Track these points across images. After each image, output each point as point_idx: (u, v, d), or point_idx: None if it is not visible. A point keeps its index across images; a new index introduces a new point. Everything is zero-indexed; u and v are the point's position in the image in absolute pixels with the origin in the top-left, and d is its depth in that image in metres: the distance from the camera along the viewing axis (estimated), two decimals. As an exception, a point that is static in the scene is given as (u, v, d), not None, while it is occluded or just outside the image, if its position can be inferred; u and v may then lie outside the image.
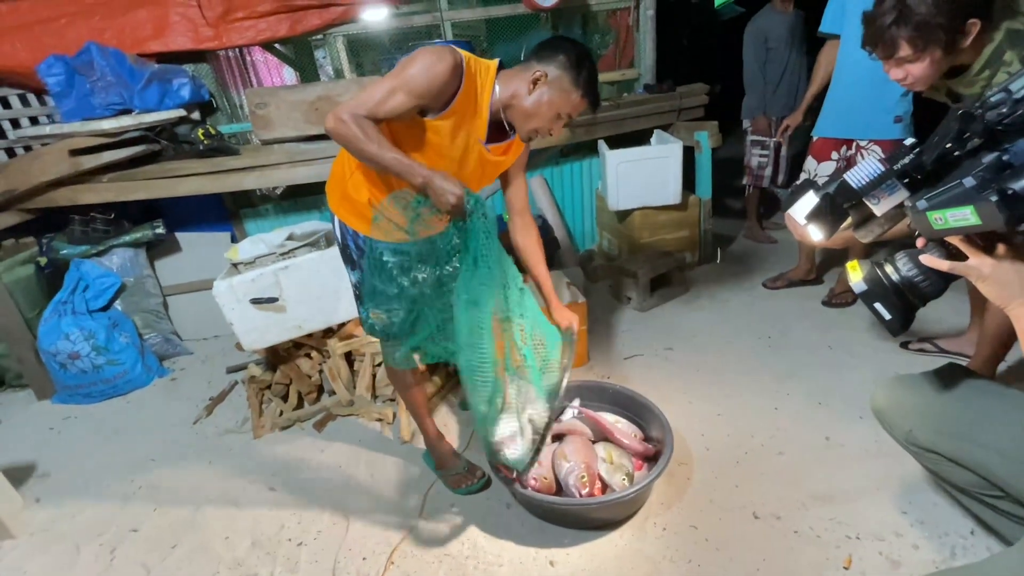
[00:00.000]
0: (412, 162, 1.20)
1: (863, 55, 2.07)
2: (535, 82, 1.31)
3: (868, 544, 1.37)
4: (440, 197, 1.20)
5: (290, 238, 2.18)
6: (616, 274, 2.88)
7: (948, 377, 1.21)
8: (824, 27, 2.31)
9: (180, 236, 2.98)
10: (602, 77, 3.49)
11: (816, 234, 1.13)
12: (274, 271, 1.99)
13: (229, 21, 2.65)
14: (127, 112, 2.48)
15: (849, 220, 1.10)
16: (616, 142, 3.02)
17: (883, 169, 1.00)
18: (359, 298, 1.58)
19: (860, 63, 2.04)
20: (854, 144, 2.29)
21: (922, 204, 0.90)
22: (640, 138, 3.20)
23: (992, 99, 0.88)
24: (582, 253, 3.42)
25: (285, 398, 2.26)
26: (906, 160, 0.97)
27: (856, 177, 1.04)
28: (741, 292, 2.85)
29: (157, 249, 2.93)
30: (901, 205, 1.00)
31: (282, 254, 2.10)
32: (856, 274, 1.06)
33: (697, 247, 3.16)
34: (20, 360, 2.50)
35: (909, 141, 1.00)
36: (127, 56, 2.47)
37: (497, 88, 1.33)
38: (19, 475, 2.03)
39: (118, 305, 2.68)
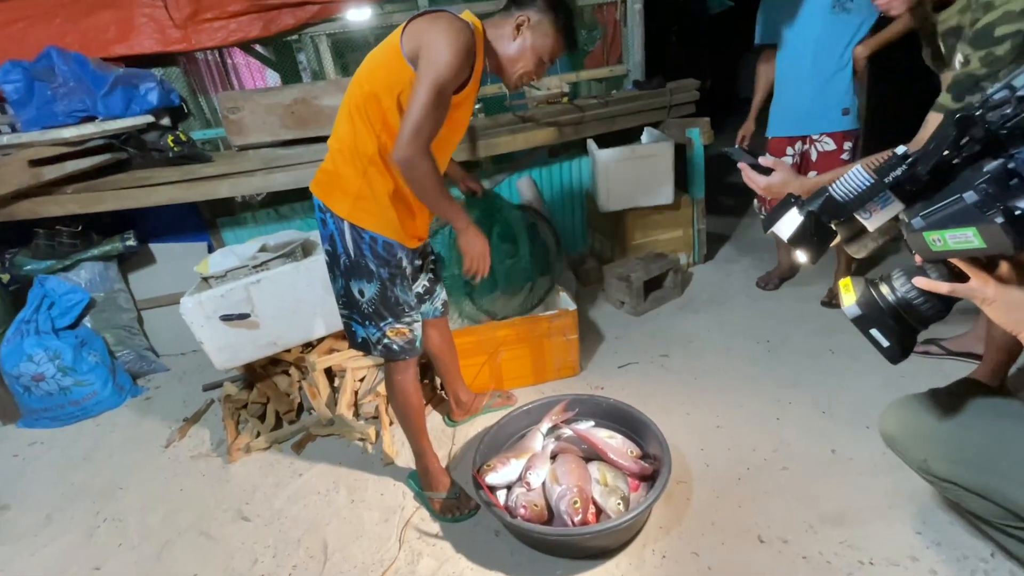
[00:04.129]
0: (461, 208, 1.41)
1: (804, 56, 2.25)
2: (518, 27, 1.36)
3: (882, 570, 1.28)
4: (471, 248, 1.46)
5: (263, 249, 2.07)
6: (608, 277, 2.78)
7: (961, 397, 1.12)
8: (759, 39, 2.45)
9: (154, 247, 2.86)
10: (590, 74, 3.39)
11: (802, 256, 1.02)
12: (245, 285, 1.88)
13: (198, 22, 2.53)
14: (91, 119, 2.35)
15: (838, 238, 1.00)
16: (606, 141, 2.92)
17: (871, 181, 0.89)
18: (373, 315, 1.45)
19: (802, 65, 2.29)
20: (807, 139, 2.39)
21: (918, 223, 0.80)
22: (630, 136, 3.10)
23: (994, 97, 0.78)
24: (573, 256, 3.31)
25: (262, 418, 2.14)
26: (898, 172, 0.86)
27: (842, 190, 0.93)
28: (738, 293, 2.76)
29: (130, 262, 2.80)
30: (897, 217, 0.91)
31: (255, 267, 1.98)
32: (849, 296, 0.95)
33: (691, 247, 3.06)
34: (-18, 383, 2.37)
35: (900, 150, 0.89)
36: (90, 61, 2.35)
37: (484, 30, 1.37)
38: (-22, 508, 1.91)
39: (87, 322, 2.55)
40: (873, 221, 0.90)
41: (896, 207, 0.87)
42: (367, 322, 1.46)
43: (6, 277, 2.44)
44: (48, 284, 2.42)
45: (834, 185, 0.93)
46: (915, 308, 0.90)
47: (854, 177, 0.89)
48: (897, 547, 1.33)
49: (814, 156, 2.40)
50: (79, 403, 2.35)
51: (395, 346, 1.48)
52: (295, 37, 2.83)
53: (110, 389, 2.43)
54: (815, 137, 2.36)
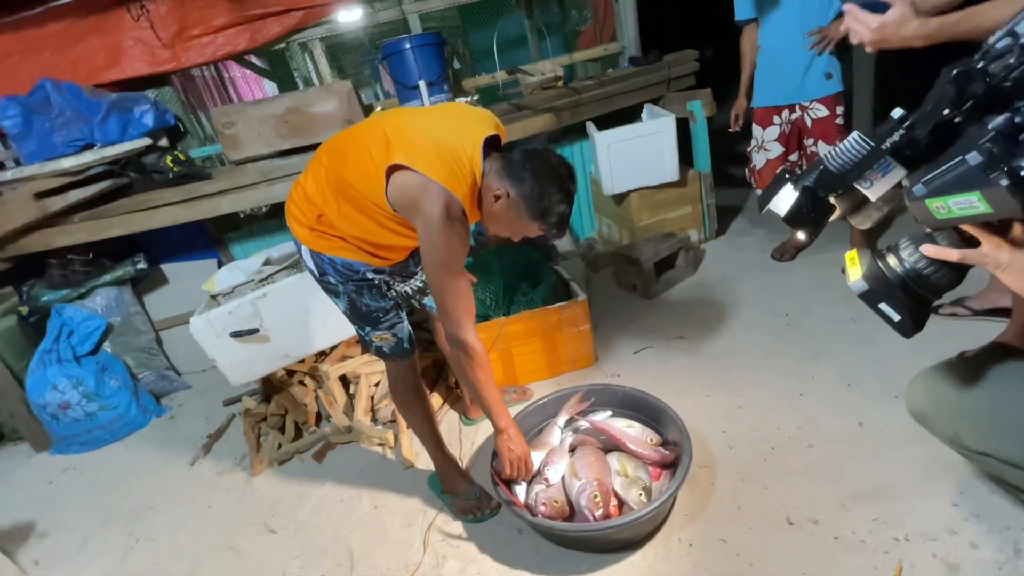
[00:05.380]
0: (505, 407, 1.42)
1: (783, 28, 2.27)
2: (496, 197, 1.25)
3: (919, 546, 1.23)
4: (510, 452, 1.43)
5: (267, 263, 2.07)
6: (618, 261, 2.73)
7: (989, 363, 1.05)
8: (740, 15, 2.43)
9: (166, 268, 2.89)
10: (584, 55, 3.31)
11: (800, 234, 0.97)
12: (251, 300, 1.88)
13: (185, 40, 2.53)
14: (90, 147, 2.37)
15: (837, 212, 0.94)
16: (605, 122, 2.86)
17: (867, 148, 0.84)
18: (355, 323, 1.49)
19: (781, 36, 2.29)
20: (797, 107, 2.37)
21: (920, 190, 0.75)
22: (630, 115, 3.03)
23: (996, 47, 0.71)
24: (582, 242, 3.26)
25: (282, 429, 2.16)
26: (895, 137, 0.81)
27: (837, 161, 0.87)
28: (752, 267, 2.68)
29: (143, 284, 2.84)
30: (900, 184, 0.85)
31: (260, 281, 1.99)
32: (855, 270, 0.89)
33: (701, 224, 2.99)
34: (12, 415, 2.43)
35: (897, 113, 0.83)
36: (83, 89, 2.36)
37: (484, 171, 1.27)
38: (18, 536, 1.97)
39: (107, 347, 2.59)
40: (875, 190, 0.85)
41: (898, 173, 0.82)
42: (359, 330, 1.49)
43: (25, 309, 2.49)
44: (66, 313, 2.46)
45: (829, 156, 0.87)
46: (925, 278, 0.84)
47: (850, 146, 0.84)
48: (934, 521, 1.27)
49: (808, 123, 2.36)
50: (106, 427, 2.40)
51: (385, 348, 1.48)
52: (283, 45, 2.81)
53: (135, 411, 2.47)
54: (806, 105, 2.34)
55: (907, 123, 0.78)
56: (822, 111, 2.32)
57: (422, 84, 2.37)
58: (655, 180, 2.75)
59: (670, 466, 1.51)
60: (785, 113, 2.40)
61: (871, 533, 1.28)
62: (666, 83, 3.03)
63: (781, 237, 2.80)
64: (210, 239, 2.91)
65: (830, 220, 0.97)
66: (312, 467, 1.98)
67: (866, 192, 0.86)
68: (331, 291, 1.45)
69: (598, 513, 1.32)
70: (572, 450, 1.58)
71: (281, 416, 2.18)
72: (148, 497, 2.04)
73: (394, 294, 1.50)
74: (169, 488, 2.06)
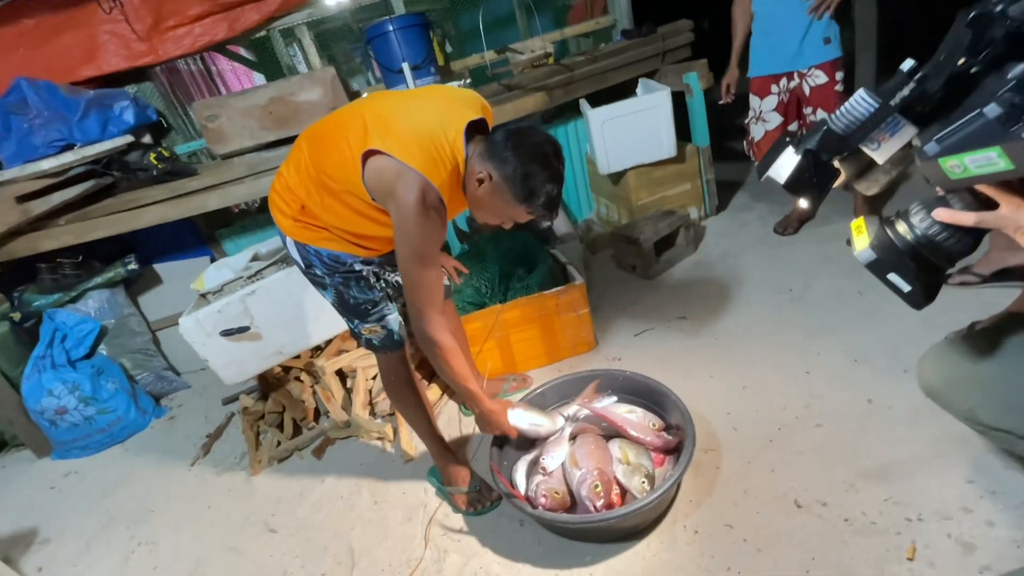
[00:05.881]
0: (481, 394, 1.40)
1: None
2: (480, 181, 1.20)
3: (933, 526, 1.19)
4: (487, 429, 1.46)
5: (255, 258, 2.02)
6: (617, 242, 2.67)
7: (1003, 334, 1.00)
8: None
9: (159, 267, 2.86)
10: (574, 30, 3.21)
11: (802, 202, 0.91)
12: (240, 298, 1.84)
13: (162, 31, 2.45)
14: (71, 147, 2.31)
15: (842, 177, 0.88)
16: (599, 98, 2.77)
17: (875, 106, 0.77)
18: (344, 316, 1.46)
19: (777, 1, 2.19)
20: (795, 74, 2.28)
21: (932, 148, 0.68)
22: (625, 90, 2.94)
23: None
24: (579, 224, 3.20)
25: (281, 426, 2.13)
26: (905, 92, 0.74)
27: (842, 121, 0.80)
28: (755, 243, 2.62)
29: (137, 285, 2.81)
30: (910, 144, 0.78)
31: (249, 277, 1.94)
32: (862, 239, 0.82)
33: (701, 200, 2.92)
34: (11, 422, 2.41)
35: (907, 65, 0.76)
36: (60, 87, 2.29)
37: (467, 156, 1.21)
38: (21, 543, 1.96)
39: (103, 350, 2.57)
40: (882, 152, 0.78)
41: (908, 132, 0.75)
42: (348, 322, 1.46)
43: (17, 315, 2.46)
44: (58, 317, 2.43)
45: (833, 116, 0.81)
46: (938, 245, 0.78)
47: (856, 104, 0.77)
48: (948, 499, 1.23)
49: (807, 91, 2.27)
50: (105, 430, 2.38)
51: (375, 341, 1.45)
52: (263, 33, 2.73)
53: (134, 413, 2.45)
54: (804, 72, 2.25)
55: (918, 76, 0.71)
56: (821, 78, 2.23)
57: (406, 67, 2.29)
58: (652, 157, 2.67)
59: (673, 451, 1.47)
60: (783, 81, 2.31)
61: (882, 514, 1.24)
62: (661, 56, 2.93)
63: (783, 211, 2.73)
64: (201, 236, 2.87)
65: (834, 187, 0.91)
66: (312, 463, 1.96)
67: (873, 154, 0.80)
68: (318, 284, 1.42)
69: (599, 503, 1.29)
70: (572, 438, 1.54)
71: (279, 413, 2.15)
72: (149, 499, 2.02)
73: (383, 285, 1.45)
74: (169, 490, 2.04)
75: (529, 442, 1.63)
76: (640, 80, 2.91)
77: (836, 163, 0.87)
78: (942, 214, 0.75)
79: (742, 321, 2.08)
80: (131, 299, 2.75)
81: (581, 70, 2.77)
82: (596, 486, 1.32)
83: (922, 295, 0.80)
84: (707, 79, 2.75)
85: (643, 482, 1.34)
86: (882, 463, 1.36)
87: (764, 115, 2.40)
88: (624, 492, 1.37)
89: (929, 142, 0.67)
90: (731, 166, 3.44)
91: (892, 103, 0.73)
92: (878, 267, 0.81)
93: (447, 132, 1.17)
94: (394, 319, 1.46)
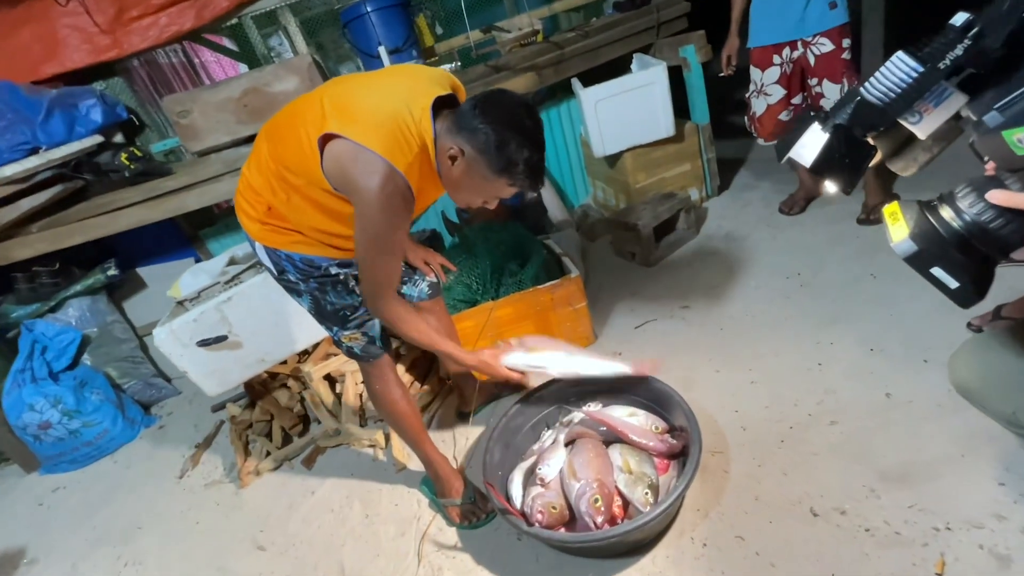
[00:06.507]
0: (461, 350, 1.32)
1: None
2: (452, 158, 1.09)
3: (963, 536, 1.09)
4: (491, 373, 1.33)
5: (232, 262, 1.92)
6: (615, 228, 2.55)
7: None
8: None
9: (142, 271, 2.77)
10: (563, 4, 3.05)
11: (831, 186, 0.79)
12: (216, 306, 1.74)
13: (125, 23, 2.31)
14: (36, 151, 2.20)
15: (878, 156, 0.76)
16: (592, 77, 2.62)
17: (919, 69, 0.65)
18: (324, 325, 1.36)
19: None
20: (798, 43, 2.12)
21: (993, 119, 0.57)
22: (620, 67, 2.79)
23: None
24: (576, 210, 3.07)
25: (270, 435, 2.05)
26: (958, 51, 0.62)
27: (879, 89, 0.68)
28: (759, 224, 2.49)
29: (121, 291, 2.72)
30: (958, 115, 0.67)
31: (226, 283, 1.84)
32: (899, 228, 0.71)
33: (702, 180, 2.78)
34: (-4, 437, 2.34)
35: (959, 19, 0.64)
36: (20, 87, 2.17)
37: (436, 134, 1.10)
38: (8, 564, 1.91)
39: (87, 360, 2.48)
40: (925, 125, 0.67)
41: (957, 101, 0.64)
42: (328, 330, 1.37)
43: (-6, 328, 2.37)
44: (37, 328, 2.34)
45: (868, 84, 0.68)
46: (991, 232, 0.66)
47: (894, 69, 0.65)
48: (978, 505, 1.13)
49: (812, 60, 2.11)
50: (92, 443, 2.31)
51: (356, 349, 1.35)
52: (235, 21, 2.58)
53: (121, 424, 2.38)
54: (809, 40, 2.09)
55: (973, 31, 0.59)
56: (827, 46, 2.07)
57: (382, 51, 2.15)
58: (649, 137, 2.54)
59: (678, 455, 1.38)
60: (786, 51, 2.16)
61: (907, 523, 1.15)
62: (656, 29, 2.77)
63: (788, 189, 2.59)
64: (185, 237, 2.76)
65: (869, 166, 0.78)
66: (302, 474, 1.88)
67: (913, 128, 0.68)
68: (293, 290, 1.32)
69: (599, 520, 1.20)
70: (570, 444, 1.45)
71: (267, 422, 2.06)
72: (137, 516, 1.95)
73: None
74: (158, 505, 1.97)
75: (527, 445, 1.54)
76: (635, 56, 2.76)
77: (870, 139, 0.75)
78: (998, 196, 0.63)
79: (748, 309, 1.97)
80: (115, 305, 2.66)
81: (572, 47, 2.62)
82: (596, 500, 1.22)
83: (972, 291, 0.69)
84: (705, 52, 2.60)
85: (646, 493, 1.25)
86: (904, 464, 1.26)
87: (766, 88, 2.25)
88: (626, 504, 1.28)
89: (988, 111, 0.56)
90: (733, 143, 3.29)
91: (940, 66, 0.61)
92: (920, 261, 0.70)
93: (412, 110, 1.06)
94: (375, 324, 1.36)
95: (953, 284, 0.70)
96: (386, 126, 1.03)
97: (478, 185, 1.12)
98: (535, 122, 1.09)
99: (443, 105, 1.11)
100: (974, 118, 0.58)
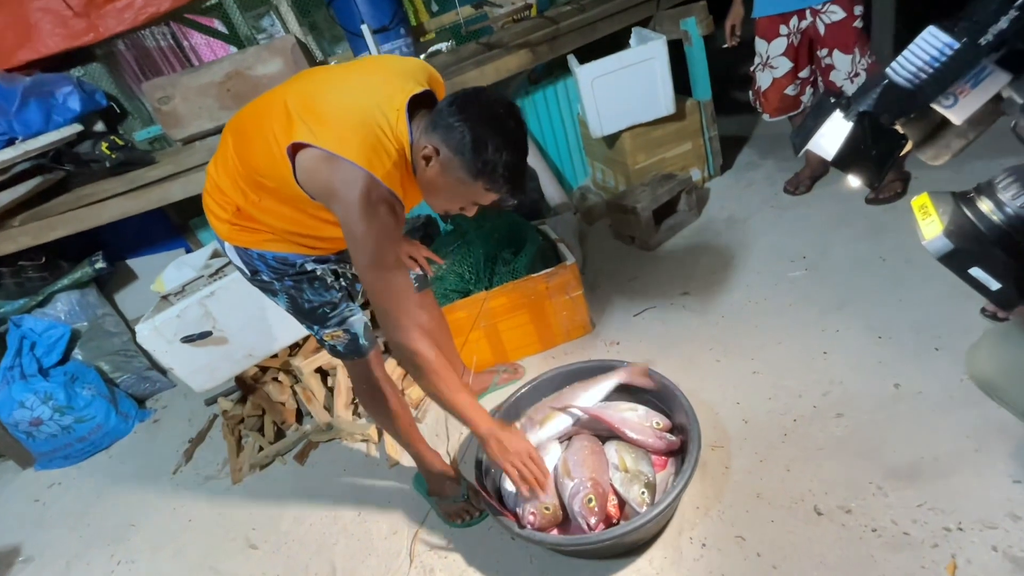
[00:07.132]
0: (479, 410, 1.16)
1: None
2: (426, 159, 1.02)
3: (975, 536, 1.04)
4: (505, 455, 1.17)
5: (216, 255, 1.86)
6: (613, 211, 2.47)
7: None
8: None
9: (132, 263, 2.72)
10: (559, -24, 2.91)
11: (855, 180, 0.71)
12: (199, 300, 1.69)
13: (100, 5, 2.22)
14: (12, 142, 2.13)
15: (909, 145, 0.68)
16: (589, 53, 2.51)
17: (955, 45, 0.57)
18: (304, 324, 1.30)
19: None
20: (807, 12, 2.00)
21: None
22: (618, 42, 2.67)
23: None
24: (574, 192, 2.99)
25: (262, 430, 2.01)
26: (1002, 25, 0.54)
27: (908, 69, 0.60)
28: (763, 205, 2.40)
29: (112, 283, 2.68)
30: (998, 98, 0.59)
31: (210, 276, 1.78)
32: (931, 222, 0.63)
33: (704, 160, 2.69)
34: (-11, 434, 2.32)
35: None
36: (-7, 75, 2.09)
37: (412, 138, 1.03)
38: (3, 562, 1.90)
39: (77, 355, 2.45)
40: (960, 109, 0.59)
41: (997, 81, 0.56)
42: (309, 329, 1.30)
43: (-19, 324, 2.34)
44: (25, 324, 2.30)
45: (896, 64, 0.60)
46: None
47: (926, 46, 0.57)
48: (991, 503, 1.08)
49: (822, 30, 1.99)
50: (86, 438, 2.29)
51: (339, 347, 1.29)
52: (215, 0, 2.48)
53: (114, 419, 2.35)
54: (818, 8, 1.97)
55: (1020, 2, 0.51)
56: (838, 13, 1.95)
57: (365, 29, 2.05)
58: (649, 116, 2.44)
59: (676, 452, 1.33)
60: (793, 21, 2.03)
61: (916, 522, 1.09)
62: (655, 0, 2.65)
63: (794, 168, 2.49)
64: (174, 227, 2.70)
65: (900, 155, 0.70)
66: (294, 470, 1.85)
67: (947, 113, 0.60)
68: (267, 290, 1.26)
69: (592, 520, 1.15)
70: (565, 440, 1.40)
71: (259, 417, 2.03)
72: (131, 513, 1.93)
73: (344, 284, 1.29)
74: (150, 502, 1.95)
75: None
76: (633, 29, 2.64)
77: (899, 126, 0.67)
78: None
79: (751, 295, 1.90)
80: (106, 298, 2.62)
81: (567, 22, 2.51)
82: (590, 500, 1.18)
83: (1016, 292, 0.62)
84: (707, 24, 2.47)
85: (643, 492, 1.20)
86: (913, 460, 1.21)
87: (771, 60, 2.14)
88: (622, 504, 1.23)
89: None
90: (736, 119, 3.17)
91: (980, 42, 0.53)
92: (956, 260, 0.63)
93: (386, 112, 0.98)
94: (357, 320, 1.30)
95: (995, 286, 0.63)
96: (360, 130, 0.95)
97: (454, 189, 1.04)
98: (517, 123, 1.01)
99: (419, 104, 1.03)
100: (1019, 100, 0.51)
